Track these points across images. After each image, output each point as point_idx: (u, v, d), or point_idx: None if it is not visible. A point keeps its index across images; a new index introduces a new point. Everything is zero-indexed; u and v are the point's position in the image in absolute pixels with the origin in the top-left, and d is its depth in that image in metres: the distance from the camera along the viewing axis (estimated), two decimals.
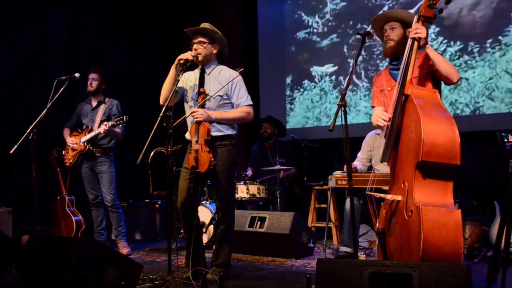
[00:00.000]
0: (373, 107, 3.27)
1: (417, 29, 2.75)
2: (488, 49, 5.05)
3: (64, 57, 5.97)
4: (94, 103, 4.82)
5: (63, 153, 4.83)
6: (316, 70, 6.32)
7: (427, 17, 2.78)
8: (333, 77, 6.17)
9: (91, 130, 4.65)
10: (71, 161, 4.70)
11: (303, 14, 6.46)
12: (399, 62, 3.00)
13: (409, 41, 2.80)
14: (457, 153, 2.48)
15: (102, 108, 4.76)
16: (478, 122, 5.03)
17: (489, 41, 5.05)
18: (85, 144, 4.62)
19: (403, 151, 2.67)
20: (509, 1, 4.95)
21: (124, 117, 4.37)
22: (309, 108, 6.33)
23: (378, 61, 5.82)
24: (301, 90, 6.41)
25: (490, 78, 5.01)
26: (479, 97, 5.08)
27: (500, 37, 4.99)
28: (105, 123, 4.49)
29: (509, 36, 4.93)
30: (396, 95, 2.72)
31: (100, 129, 4.51)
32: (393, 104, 2.74)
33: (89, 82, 4.76)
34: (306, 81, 6.40)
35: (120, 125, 4.45)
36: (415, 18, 2.82)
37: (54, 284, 2.79)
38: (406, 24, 3.01)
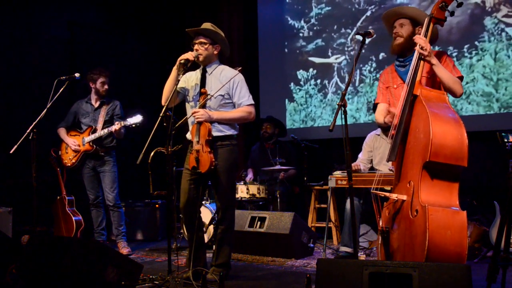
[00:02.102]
0: (377, 103, 3.25)
1: (421, 46, 2.74)
2: (466, 54, 5.16)
3: (64, 57, 5.97)
4: (96, 104, 4.80)
5: (59, 153, 4.82)
6: (301, 73, 6.36)
7: (438, 19, 2.80)
8: (318, 81, 6.20)
9: (95, 130, 4.65)
10: (73, 161, 4.70)
11: (289, 18, 6.49)
12: (406, 59, 3.02)
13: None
14: (464, 155, 2.49)
15: (105, 108, 4.77)
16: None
17: (466, 46, 5.17)
18: (91, 144, 4.62)
19: (410, 151, 2.68)
20: (482, 9, 5.09)
21: (139, 117, 4.43)
22: (296, 110, 6.37)
23: (362, 64, 5.83)
24: (288, 93, 6.44)
25: (467, 82, 5.11)
26: (457, 100, 5.15)
27: (476, 43, 5.11)
28: (119, 122, 4.51)
29: (485, 41, 5.06)
30: (405, 95, 2.73)
31: (115, 126, 4.51)
32: (401, 104, 2.74)
33: (105, 87, 4.74)
34: (292, 84, 6.43)
35: (133, 126, 4.46)
36: (426, 20, 2.83)
37: (54, 284, 2.78)
38: (415, 22, 3.00)
